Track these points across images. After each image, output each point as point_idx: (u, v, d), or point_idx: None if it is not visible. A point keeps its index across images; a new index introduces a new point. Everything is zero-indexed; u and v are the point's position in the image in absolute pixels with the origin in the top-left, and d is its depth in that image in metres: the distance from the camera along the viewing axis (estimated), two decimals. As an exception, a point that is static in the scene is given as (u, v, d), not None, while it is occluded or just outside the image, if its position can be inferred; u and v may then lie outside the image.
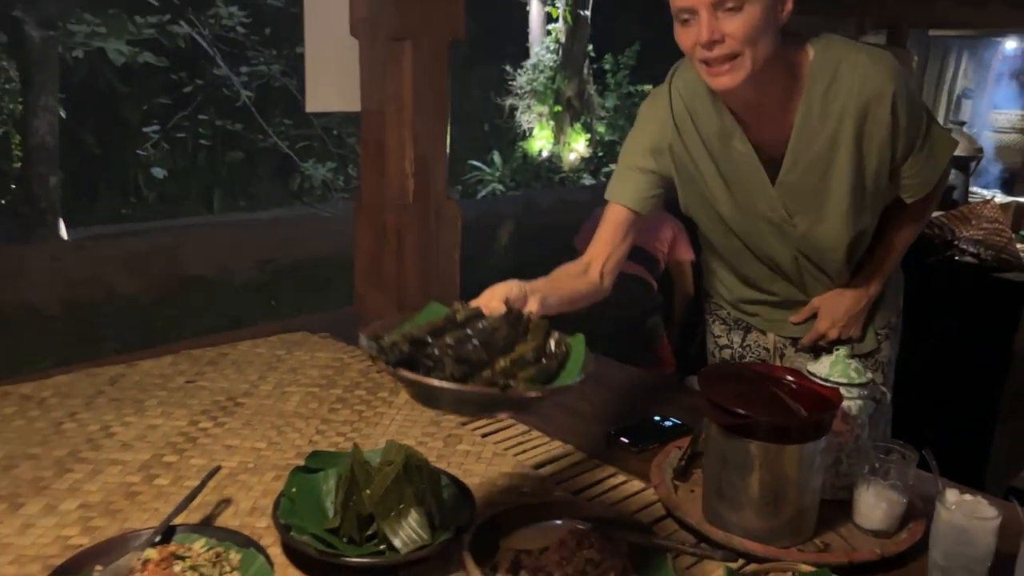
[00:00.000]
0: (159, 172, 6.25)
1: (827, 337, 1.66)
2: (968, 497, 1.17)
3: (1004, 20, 3.34)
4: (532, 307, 1.23)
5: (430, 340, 1.04)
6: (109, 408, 1.67)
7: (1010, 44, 5.04)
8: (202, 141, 6.63)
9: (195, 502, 1.27)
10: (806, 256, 1.58)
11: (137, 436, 1.56)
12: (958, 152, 3.95)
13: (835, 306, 1.65)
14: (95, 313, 3.04)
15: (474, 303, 1.20)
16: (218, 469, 1.36)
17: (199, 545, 1.10)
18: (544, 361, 1.09)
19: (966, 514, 1.14)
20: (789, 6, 1.30)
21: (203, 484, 1.28)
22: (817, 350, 1.67)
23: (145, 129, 6.33)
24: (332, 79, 2.18)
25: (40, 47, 4.66)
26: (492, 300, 1.19)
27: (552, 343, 1.12)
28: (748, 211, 1.52)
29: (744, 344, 1.83)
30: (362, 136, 2.27)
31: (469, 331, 1.08)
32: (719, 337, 1.87)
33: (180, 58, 6.29)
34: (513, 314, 1.13)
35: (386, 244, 2.21)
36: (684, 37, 1.31)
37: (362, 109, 2.23)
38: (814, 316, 1.69)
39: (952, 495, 1.16)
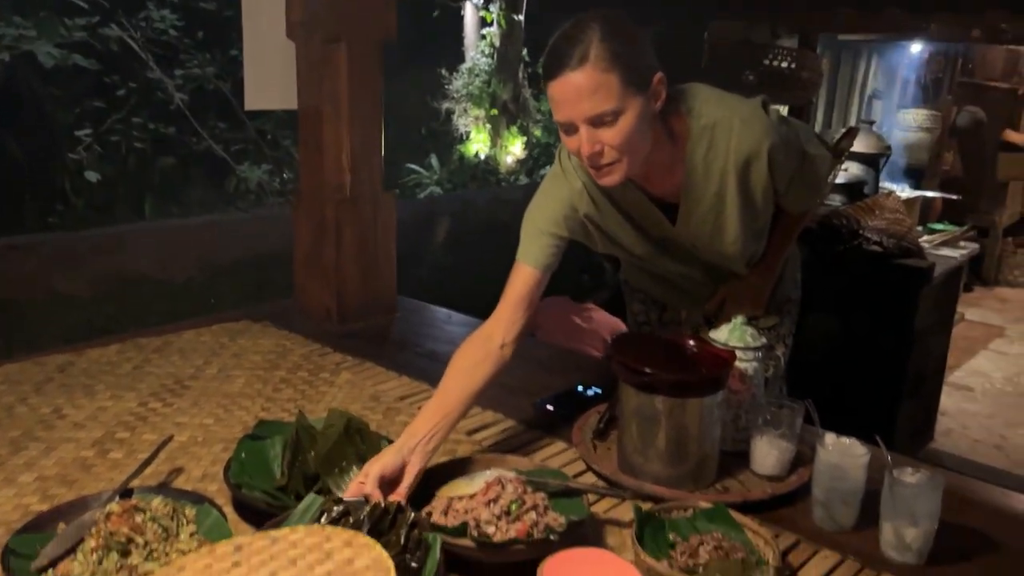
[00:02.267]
0: (92, 176, 6.13)
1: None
2: (843, 439, 1.34)
3: (902, 24, 3.58)
4: (412, 469, 1.28)
5: None
6: (59, 393, 1.75)
7: (915, 47, 5.38)
8: (137, 144, 6.54)
9: (148, 470, 1.37)
10: (712, 265, 1.73)
11: (88, 417, 1.64)
12: (869, 149, 4.25)
13: (741, 294, 1.81)
14: (34, 311, 3.05)
15: (352, 485, 1.25)
16: (171, 438, 1.45)
17: (157, 502, 1.20)
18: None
19: (841, 453, 1.31)
20: (662, 97, 1.37)
21: (158, 451, 1.38)
22: None
23: (77, 132, 6.21)
24: (270, 79, 2.27)
25: (-34, 51, 4.57)
26: (367, 484, 1.24)
27: (412, 542, 1.13)
28: (657, 247, 1.67)
29: (661, 320, 1.99)
30: (300, 134, 2.36)
31: None
32: (638, 315, 2.03)
33: (112, 61, 6.21)
34: (377, 511, 1.15)
35: (325, 237, 2.30)
36: (569, 144, 1.39)
37: (300, 108, 2.32)
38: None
39: (830, 438, 1.33)
